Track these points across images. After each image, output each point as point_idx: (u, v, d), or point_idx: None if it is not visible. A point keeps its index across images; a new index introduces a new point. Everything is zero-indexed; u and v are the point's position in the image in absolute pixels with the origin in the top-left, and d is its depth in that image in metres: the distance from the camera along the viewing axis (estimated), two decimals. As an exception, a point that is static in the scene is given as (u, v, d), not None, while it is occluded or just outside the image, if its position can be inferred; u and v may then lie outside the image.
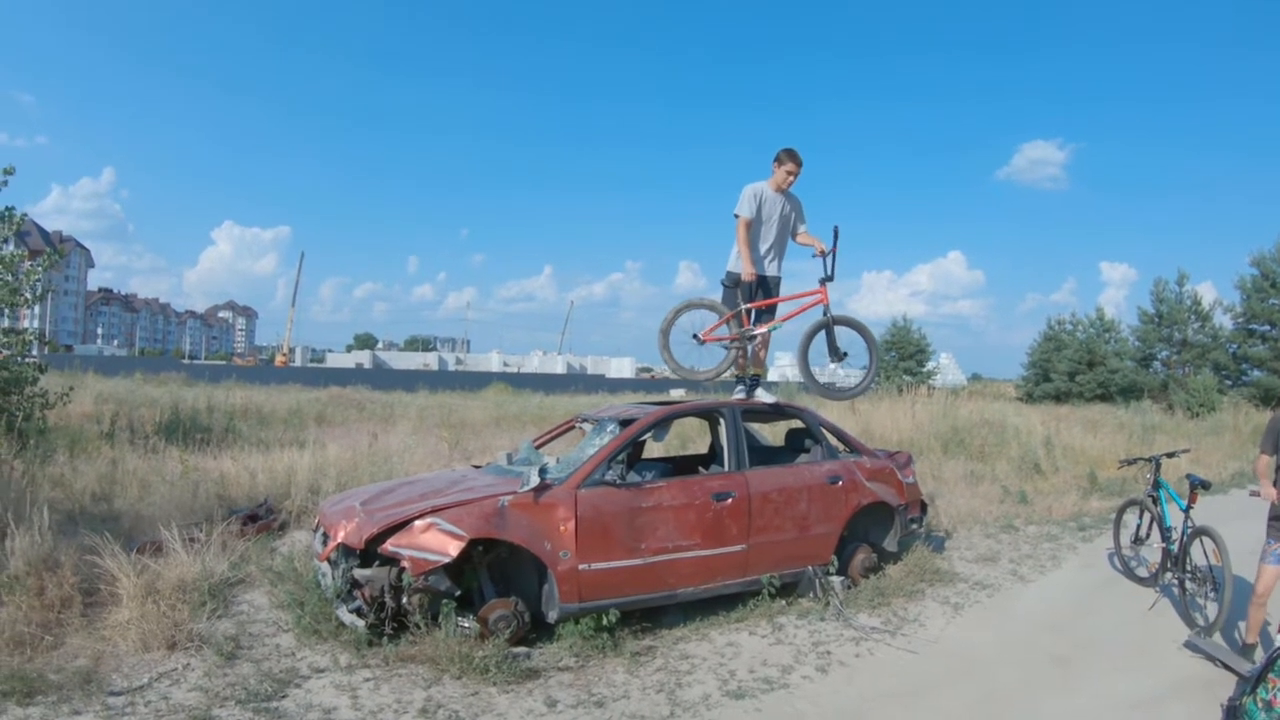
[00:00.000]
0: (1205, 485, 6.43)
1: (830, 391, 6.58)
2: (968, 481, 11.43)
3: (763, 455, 6.68)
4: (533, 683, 4.44)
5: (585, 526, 5.04)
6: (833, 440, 6.76)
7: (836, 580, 5.93)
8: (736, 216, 6.55)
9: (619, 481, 5.27)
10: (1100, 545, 8.36)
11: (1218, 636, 5.60)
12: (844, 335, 6.61)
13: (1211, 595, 6.00)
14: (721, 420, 6.12)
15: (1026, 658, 5.24)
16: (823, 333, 6.44)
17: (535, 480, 5.00)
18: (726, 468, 5.88)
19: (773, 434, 8.59)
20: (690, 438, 11.40)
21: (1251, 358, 33.40)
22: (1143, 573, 7.13)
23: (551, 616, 5.01)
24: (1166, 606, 6.31)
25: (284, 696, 4.04)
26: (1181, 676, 4.99)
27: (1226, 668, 5.03)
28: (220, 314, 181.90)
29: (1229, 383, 33.30)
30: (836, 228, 6.30)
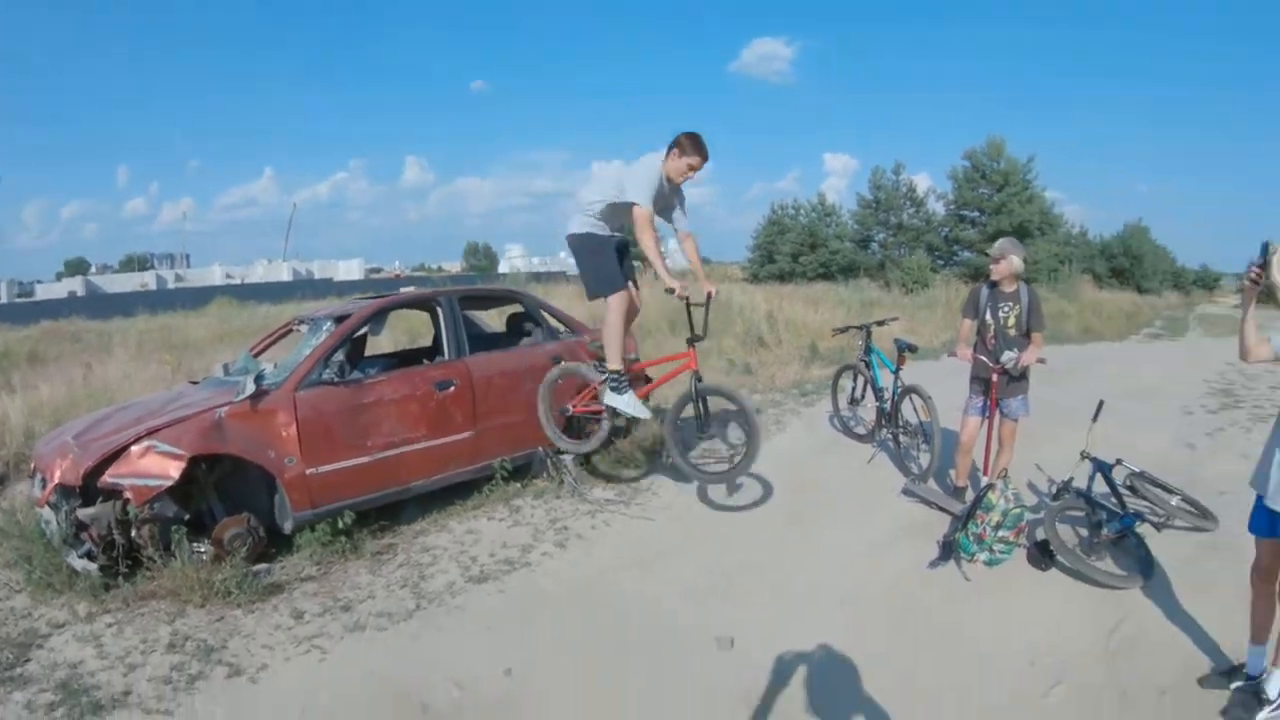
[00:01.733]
0: (912, 349, 7.46)
1: (700, 473, 5.87)
2: None
3: (487, 342, 6.94)
4: (277, 597, 4.62)
5: (307, 429, 5.18)
6: (554, 323, 7.17)
7: (568, 457, 6.48)
8: (634, 204, 5.09)
9: (338, 380, 5.42)
10: (821, 409, 9.45)
11: (931, 482, 6.63)
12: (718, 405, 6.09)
13: (923, 446, 7.11)
14: (440, 310, 6.28)
15: (759, 516, 6.04)
16: (690, 405, 5.66)
17: (251, 388, 5.05)
18: (448, 356, 6.11)
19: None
20: (420, 332, 11.39)
21: (961, 240, 39.29)
22: (860, 431, 8.18)
23: (287, 527, 5.18)
24: (884, 459, 7.40)
25: (27, 661, 3.99)
26: (903, 520, 5.87)
27: (941, 509, 5.98)
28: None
29: (941, 263, 39.24)
30: (711, 293, 5.39)
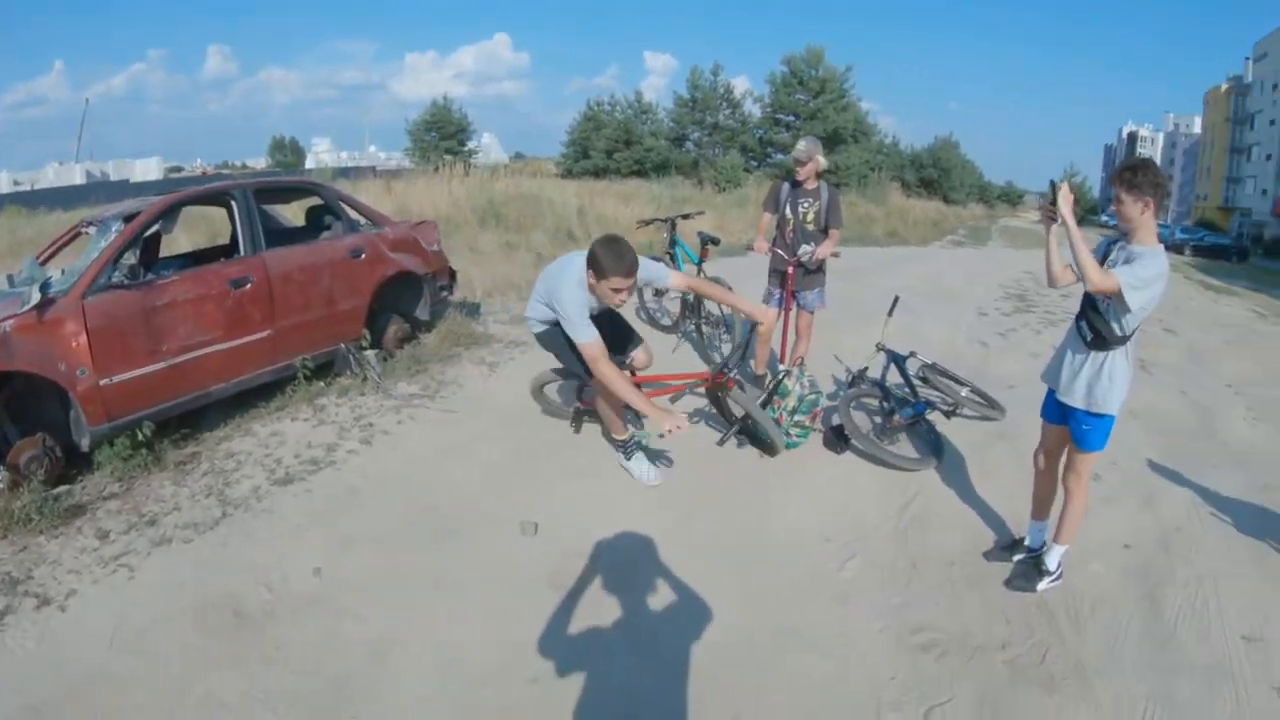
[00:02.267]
0: (715, 241, 7.92)
1: None
2: (503, 251, 12.85)
3: (286, 237, 6.86)
4: (80, 519, 4.59)
5: (98, 337, 4.99)
6: (354, 215, 7.16)
7: (371, 354, 6.66)
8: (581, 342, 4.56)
9: (128, 282, 5.25)
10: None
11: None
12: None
13: (725, 337, 7.61)
14: (234, 204, 6.11)
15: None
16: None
17: (36, 297, 4.80)
18: (243, 252, 6.00)
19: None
20: (220, 232, 11.01)
21: (776, 143, 41.68)
22: (666, 322, 8.64)
23: (85, 444, 5.04)
24: (688, 349, 7.89)
25: None
26: (703, 405, 6.15)
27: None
28: None
29: (755, 164, 40.10)
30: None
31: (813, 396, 5.55)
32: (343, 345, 6.53)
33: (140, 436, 5.11)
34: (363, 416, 6.01)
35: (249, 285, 5.80)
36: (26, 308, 4.79)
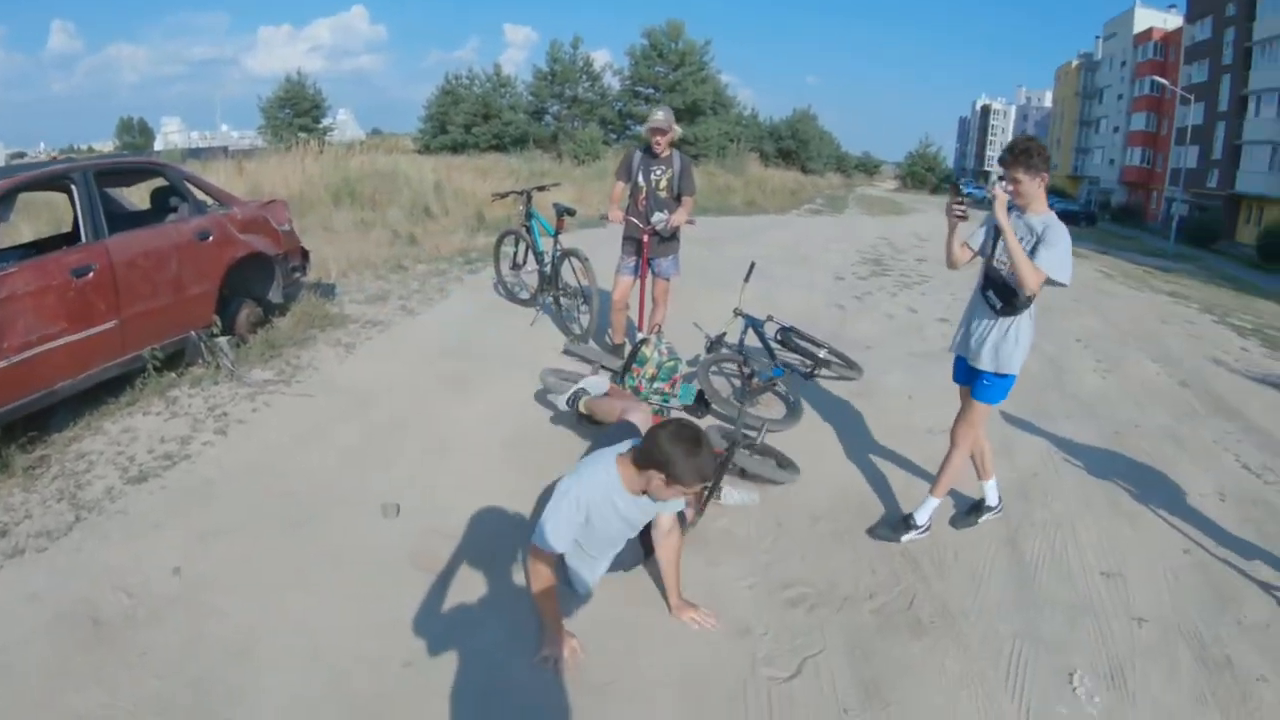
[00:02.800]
0: (570, 212, 7.88)
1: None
2: (358, 229, 12.67)
3: (131, 221, 6.49)
4: None
5: None
6: (201, 196, 6.88)
7: (223, 340, 6.40)
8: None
9: None
10: (485, 277, 9.82)
11: (591, 342, 7.11)
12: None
13: (583, 308, 7.51)
14: (74, 188, 5.73)
15: (420, 382, 6.38)
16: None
17: None
18: (85, 239, 5.65)
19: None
20: (66, 220, 10.26)
21: (635, 115, 42.48)
22: (524, 295, 8.61)
23: None
24: (546, 321, 7.90)
25: None
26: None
27: (601, 366, 6.35)
28: None
29: (614, 136, 40.08)
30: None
31: (671, 363, 5.68)
32: (193, 333, 6.26)
33: (-19, 442, 4.85)
34: (217, 406, 5.80)
35: (91, 274, 5.44)
36: None
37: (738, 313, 6.24)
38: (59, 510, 4.52)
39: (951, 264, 4.25)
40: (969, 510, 4.70)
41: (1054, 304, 10.31)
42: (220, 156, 23.26)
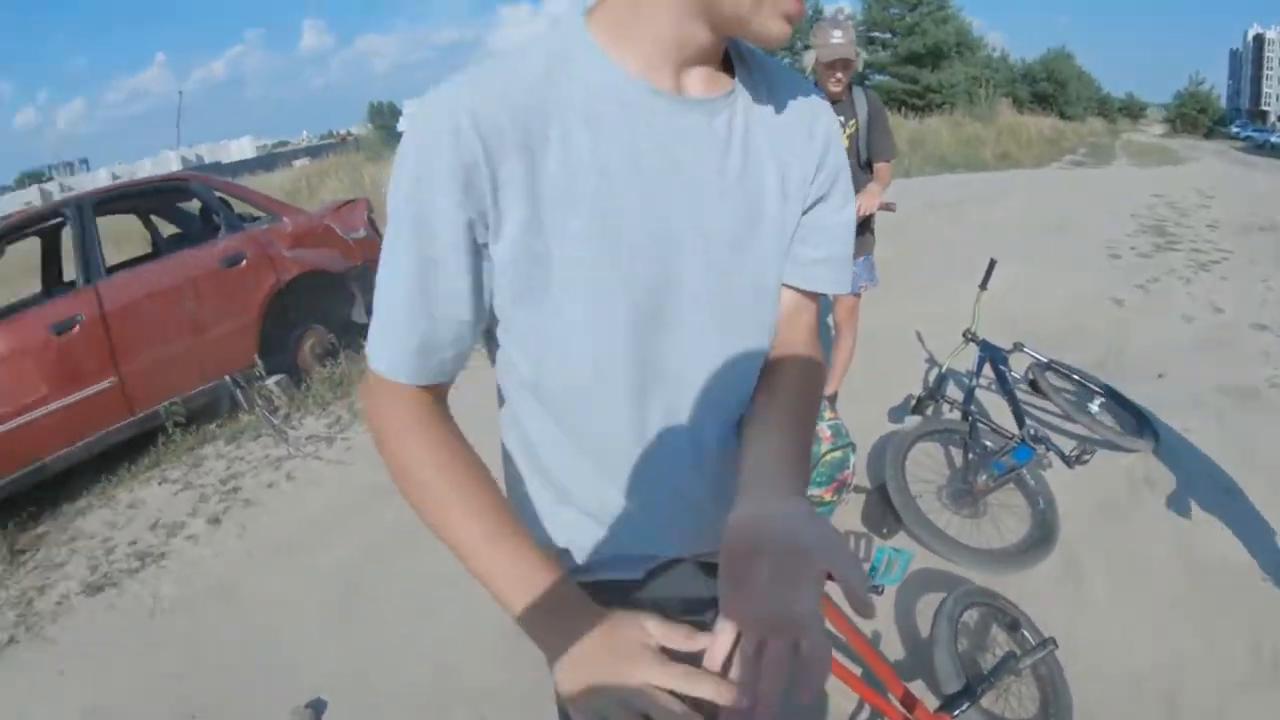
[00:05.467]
0: None
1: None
2: None
3: (175, 247, 5.98)
4: None
5: None
6: (247, 209, 6.18)
7: (273, 382, 5.60)
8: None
9: None
10: None
11: None
12: None
13: None
14: (67, 225, 5.23)
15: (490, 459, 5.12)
16: None
17: None
18: (78, 284, 5.09)
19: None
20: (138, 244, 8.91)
21: (872, 63, 37.15)
22: None
23: None
24: None
25: None
26: None
27: None
28: None
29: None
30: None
31: (837, 452, 3.23)
32: (226, 378, 5.50)
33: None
34: (235, 475, 4.94)
35: (76, 328, 4.86)
36: None
37: (969, 338, 3.88)
38: (5, 620, 3.96)
39: None
40: None
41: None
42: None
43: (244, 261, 5.64)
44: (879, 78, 36.71)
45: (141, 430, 5.25)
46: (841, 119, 3.85)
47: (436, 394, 1.02)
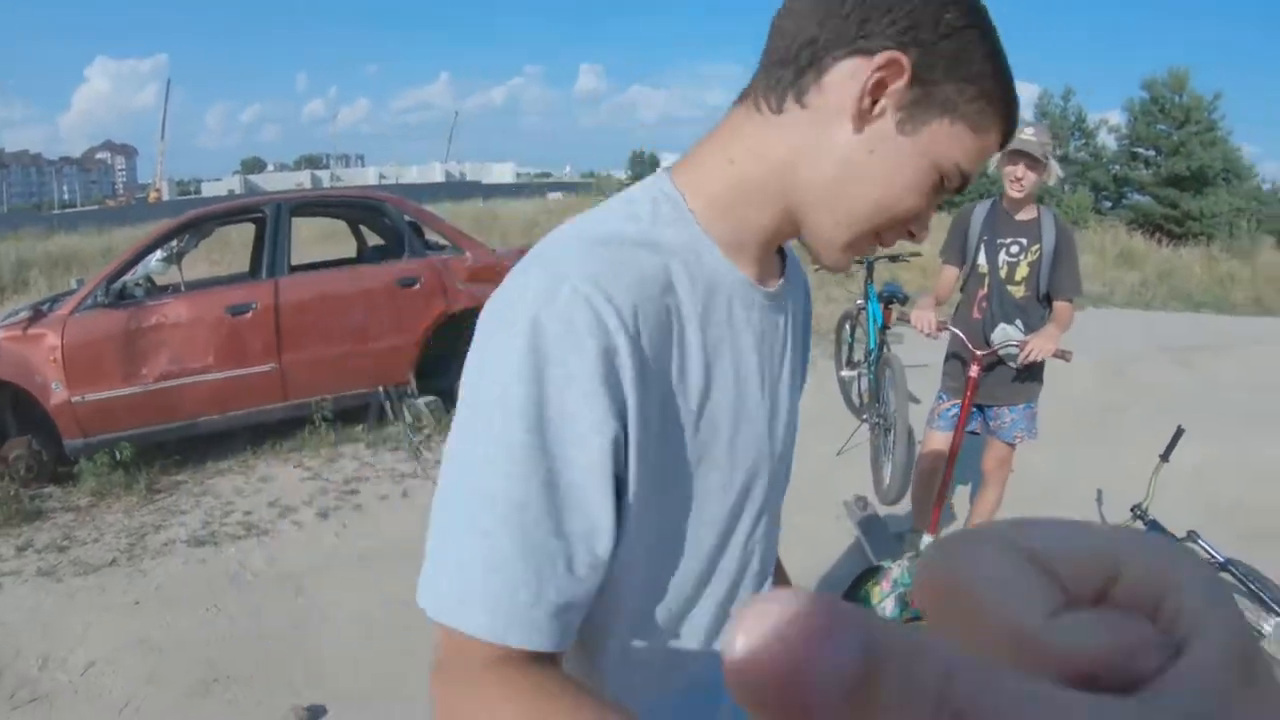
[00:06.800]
0: (901, 299, 5.15)
1: None
2: None
3: (371, 255, 6.55)
4: (31, 525, 4.56)
5: (72, 354, 4.97)
6: (435, 237, 6.50)
7: (422, 403, 5.80)
8: None
9: (110, 302, 5.17)
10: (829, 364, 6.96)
11: (878, 504, 4.58)
12: None
13: (891, 447, 4.79)
14: (265, 220, 5.77)
15: None
16: None
17: (25, 313, 5.10)
18: (263, 275, 5.64)
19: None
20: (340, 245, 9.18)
21: (1132, 180, 34.48)
22: (857, 400, 6.07)
23: (69, 454, 5.09)
24: (860, 452, 5.36)
25: None
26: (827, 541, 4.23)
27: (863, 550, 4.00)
28: (98, 156, 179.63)
29: (1108, 204, 34.36)
30: None
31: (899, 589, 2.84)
32: (380, 389, 5.78)
33: (119, 456, 5.00)
34: (357, 478, 5.15)
35: (250, 313, 5.37)
36: (13, 319, 5.14)
37: (1137, 515, 3.33)
38: (117, 548, 4.35)
39: None
40: None
41: None
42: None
43: (418, 285, 5.90)
44: (1138, 197, 33.94)
45: (291, 416, 5.63)
46: (1024, 241, 3.56)
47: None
